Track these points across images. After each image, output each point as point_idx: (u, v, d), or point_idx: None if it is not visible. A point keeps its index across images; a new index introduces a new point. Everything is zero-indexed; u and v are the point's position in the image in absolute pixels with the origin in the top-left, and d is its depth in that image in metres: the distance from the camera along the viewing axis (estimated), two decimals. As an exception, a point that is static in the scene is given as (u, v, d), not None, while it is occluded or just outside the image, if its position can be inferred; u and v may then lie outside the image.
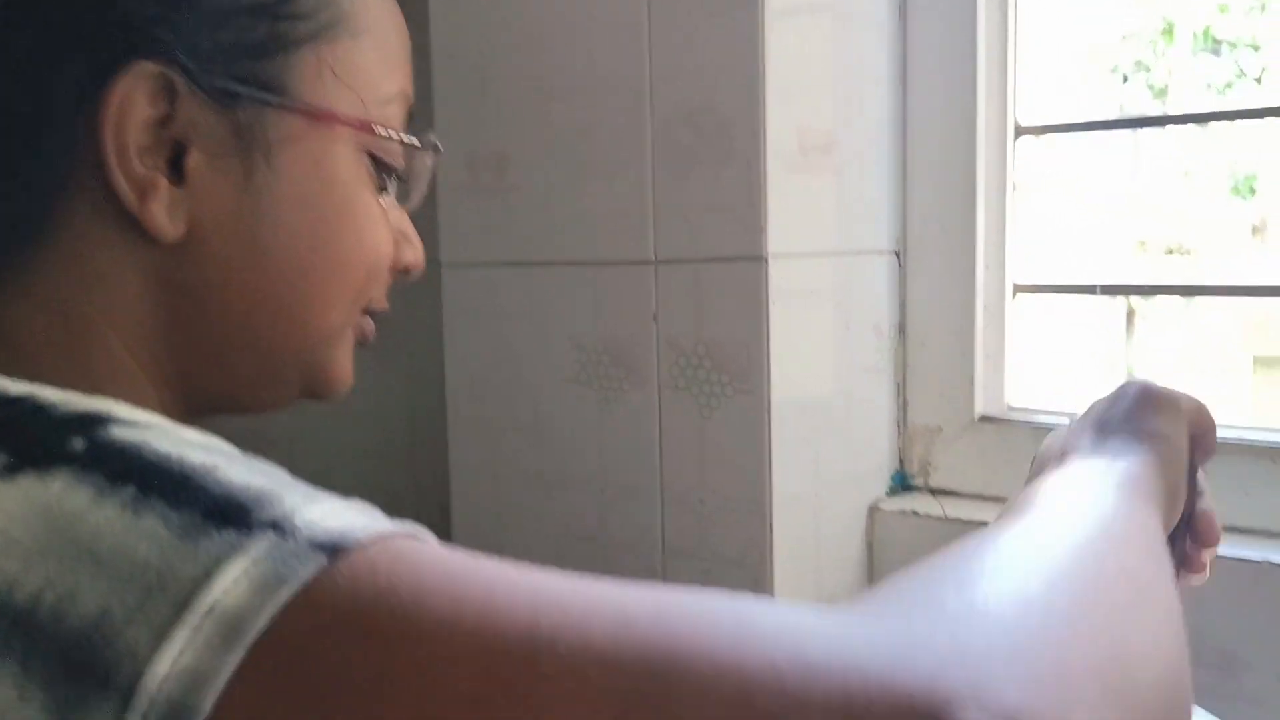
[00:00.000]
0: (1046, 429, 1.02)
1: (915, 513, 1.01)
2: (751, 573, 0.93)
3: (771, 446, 0.91)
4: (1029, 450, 1.06)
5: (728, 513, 0.94)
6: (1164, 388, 0.59)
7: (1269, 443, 0.90)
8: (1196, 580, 0.61)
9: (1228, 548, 0.88)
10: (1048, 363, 1.11)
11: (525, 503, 1.07)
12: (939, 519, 1.00)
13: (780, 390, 0.91)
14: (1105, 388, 1.24)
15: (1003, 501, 1.06)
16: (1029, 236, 1.05)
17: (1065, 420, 0.66)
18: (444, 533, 1.15)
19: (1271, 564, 0.85)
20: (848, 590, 1.01)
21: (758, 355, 0.91)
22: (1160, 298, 1.33)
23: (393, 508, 0.35)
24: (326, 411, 0.64)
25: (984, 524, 0.99)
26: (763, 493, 0.92)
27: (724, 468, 0.94)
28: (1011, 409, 1.05)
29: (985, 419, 1.03)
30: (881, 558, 1.03)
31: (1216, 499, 0.96)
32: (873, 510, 1.03)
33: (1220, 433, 0.96)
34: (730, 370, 0.92)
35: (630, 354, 0.98)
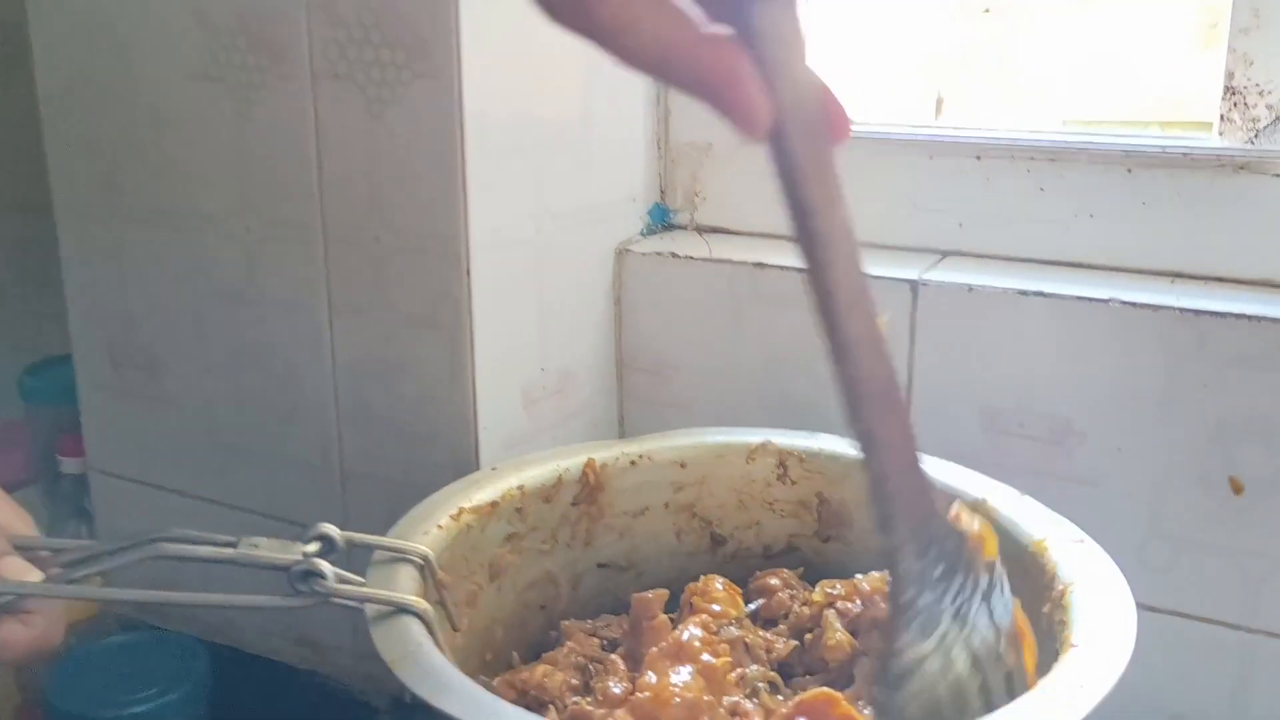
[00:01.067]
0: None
1: (675, 255, 0.77)
2: (447, 335, 0.68)
3: (466, 158, 0.65)
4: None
5: (411, 254, 0.68)
6: None
7: (1120, 147, 0.69)
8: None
9: (1066, 286, 0.68)
10: (845, 68, 0.87)
11: (148, 249, 0.78)
12: (705, 261, 0.76)
13: (478, 76, 0.64)
14: (912, 112, 0.95)
15: (788, 240, 0.84)
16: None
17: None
18: (54, 285, 0.86)
19: (1120, 304, 0.64)
20: (583, 359, 0.78)
21: (444, 20, 0.63)
22: (971, 76, 1.12)
23: None
24: None
25: (760, 267, 0.75)
26: (456, 226, 0.66)
27: (404, 189, 0.67)
28: (800, 120, 0.81)
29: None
30: (633, 314, 0.79)
31: (1058, 226, 0.76)
32: (621, 253, 0.79)
33: (1061, 139, 0.75)
34: (407, 46, 0.64)
35: (273, 32, 0.69)
